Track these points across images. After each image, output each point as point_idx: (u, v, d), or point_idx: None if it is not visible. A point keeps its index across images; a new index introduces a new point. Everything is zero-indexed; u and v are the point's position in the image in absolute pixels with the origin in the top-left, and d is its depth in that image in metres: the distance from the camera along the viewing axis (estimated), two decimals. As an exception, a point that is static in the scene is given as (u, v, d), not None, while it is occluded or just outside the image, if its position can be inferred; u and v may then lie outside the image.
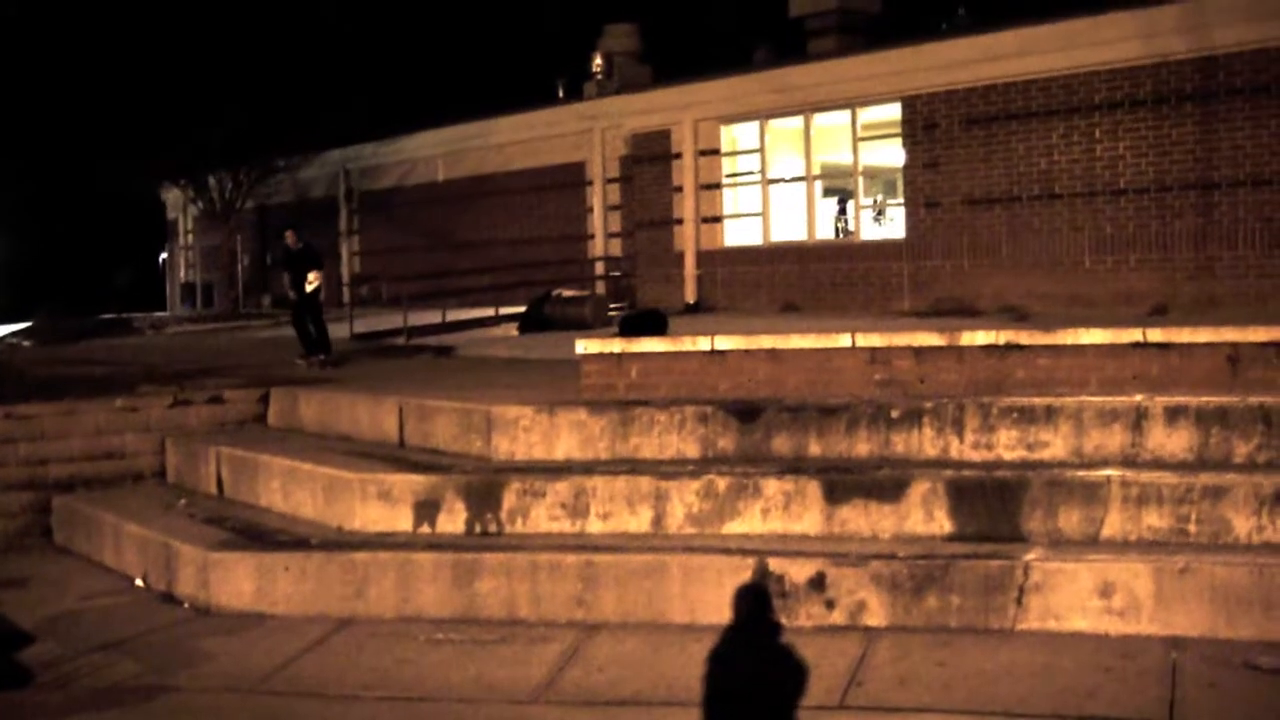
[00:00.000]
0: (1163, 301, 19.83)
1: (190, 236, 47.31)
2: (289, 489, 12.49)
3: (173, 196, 45.64)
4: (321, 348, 18.63)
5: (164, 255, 50.66)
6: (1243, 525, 9.65)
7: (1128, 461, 10.38)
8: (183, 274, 47.73)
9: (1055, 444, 10.67)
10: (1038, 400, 10.84)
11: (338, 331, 24.57)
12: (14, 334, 33.03)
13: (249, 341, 25.62)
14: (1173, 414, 10.47)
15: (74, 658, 10.06)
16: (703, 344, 12.16)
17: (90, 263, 53.19)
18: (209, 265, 44.19)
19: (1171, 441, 10.44)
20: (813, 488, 10.51)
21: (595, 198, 30.88)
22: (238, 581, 11.11)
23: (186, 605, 11.31)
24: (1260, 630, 8.93)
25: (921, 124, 23.52)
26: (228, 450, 13.62)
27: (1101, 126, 21.09)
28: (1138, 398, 10.64)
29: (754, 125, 27.17)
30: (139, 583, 12.03)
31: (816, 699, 8.39)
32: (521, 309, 25.10)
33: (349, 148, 38.63)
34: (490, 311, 26.34)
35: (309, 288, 18.65)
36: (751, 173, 27.43)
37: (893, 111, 24.31)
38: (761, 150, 27.03)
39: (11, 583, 12.25)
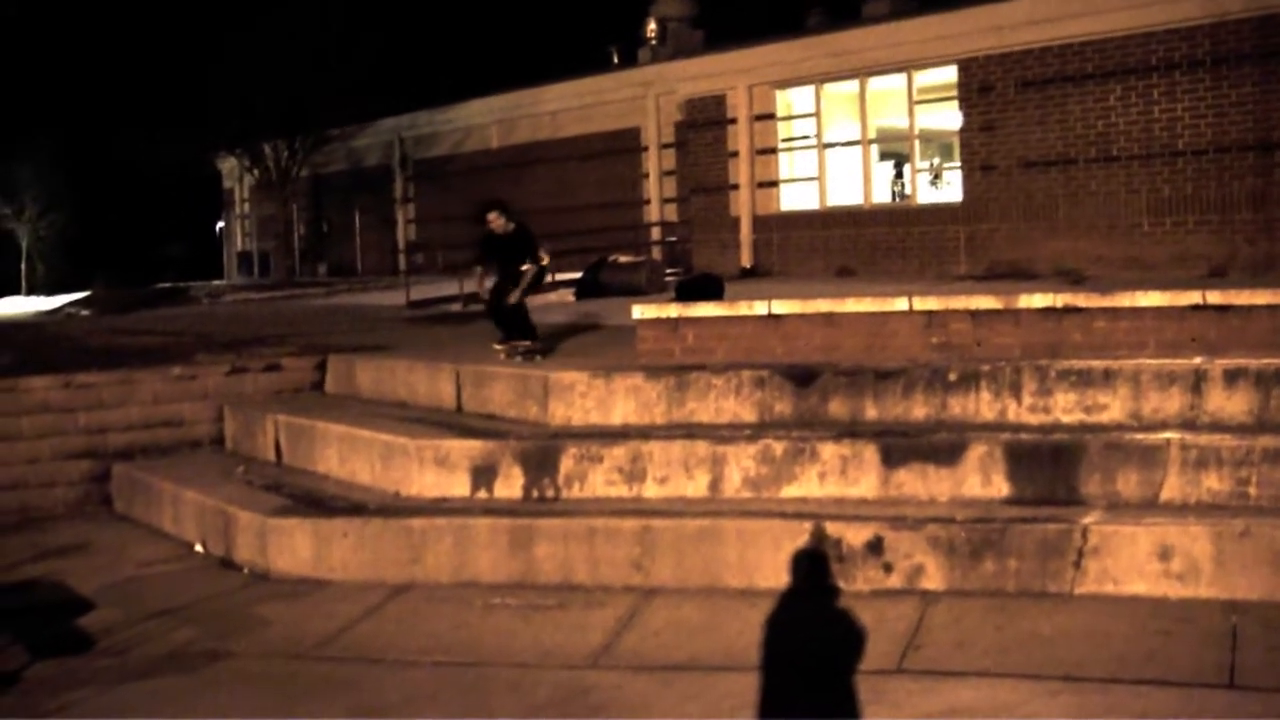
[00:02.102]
0: (1221, 264, 19.64)
1: (246, 205, 47.57)
2: (346, 455, 12.55)
3: (229, 166, 45.88)
4: (524, 330, 13.98)
5: (220, 224, 50.96)
6: (1304, 487, 9.56)
7: (1186, 424, 10.28)
8: (239, 243, 48.00)
9: (1113, 407, 10.59)
10: (1095, 363, 10.75)
11: (394, 299, 24.68)
12: (72, 304, 33.30)
13: (305, 309, 25.72)
14: (1232, 376, 10.36)
15: (133, 623, 10.14)
16: (759, 308, 12.13)
17: (147, 233, 53.63)
18: (265, 234, 44.43)
19: (1231, 404, 10.34)
20: (869, 451, 10.48)
21: (650, 163, 30.82)
22: (295, 547, 11.18)
23: (245, 571, 11.39)
24: (1322, 594, 8.86)
25: (977, 87, 23.33)
26: (285, 417, 13.69)
27: (1159, 88, 20.87)
28: (1196, 360, 10.54)
29: (809, 89, 27.02)
30: (198, 549, 12.12)
31: (874, 663, 8.37)
32: (577, 275, 25.07)
33: (403, 116, 38.69)
34: (546, 278, 26.30)
35: (517, 291, 13.69)
36: (807, 137, 27.30)
37: (948, 75, 24.14)
38: (817, 114, 26.88)
39: (72, 549, 12.37)
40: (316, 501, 11.79)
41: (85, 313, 30.01)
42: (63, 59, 40.83)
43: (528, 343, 13.64)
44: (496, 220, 13.72)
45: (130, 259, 48.80)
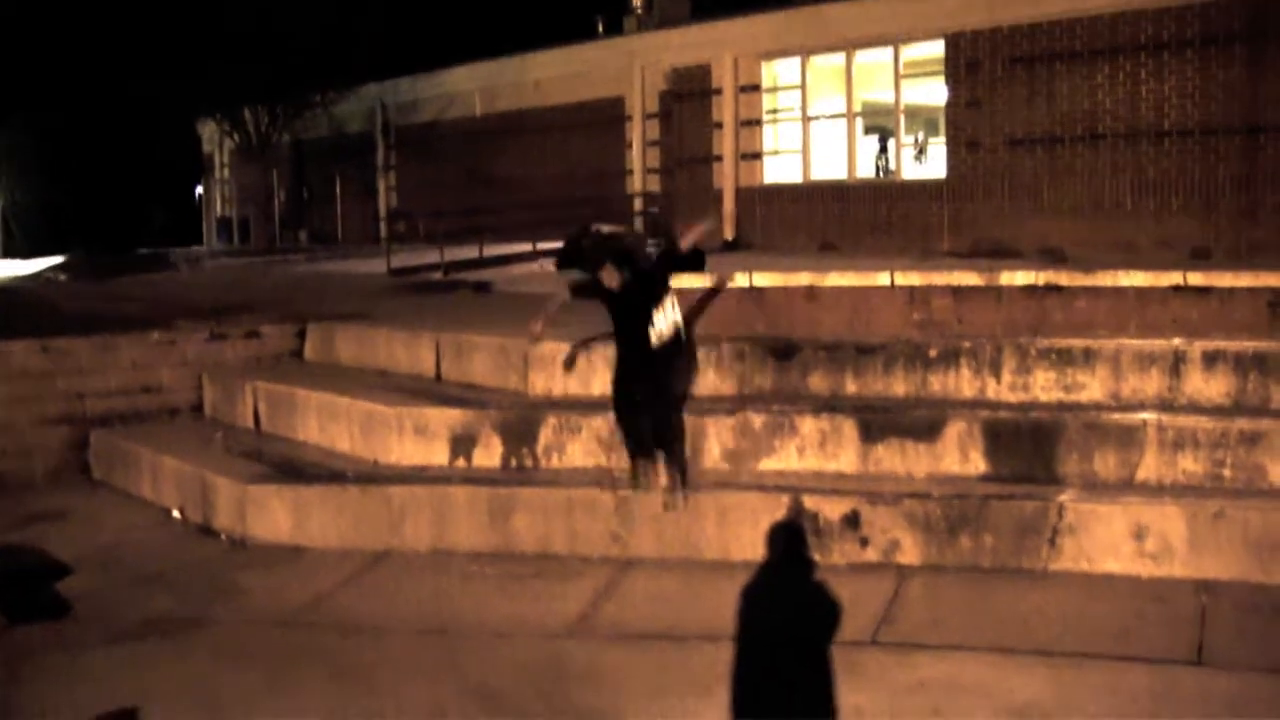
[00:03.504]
0: (1204, 246, 19.71)
1: (226, 171, 47.36)
2: (325, 423, 12.55)
3: (209, 131, 45.68)
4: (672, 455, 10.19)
5: (200, 190, 50.76)
6: (1278, 471, 9.61)
7: (1164, 405, 10.34)
8: (219, 209, 47.82)
9: (1092, 386, 10.64)
10: (1075, 342, 10.80)
11: (375, 267, 24.66)
12: (49, 268, 33.15)
13: (285, 276, 25.66)
14: (1211, 359, 10.42)
15: (112, 590, 10.14)
16: (740, 280, 12.14)
17: (126, 197, 53.38)
18: (245, 200, 44.24)
19: (1209, 386, 10.40)
20: (848, 426, 10.52)
21: (634, 133, 30.76)
22: (274, 515, 11.19)
23: (223, 538, 11.40)
24: (1293, 575, 8.93)
25: (964, 62, 23.35)
26: (265, 385, 13.68)
27: (1147, 68, 20.90)
28: (1176, 341, 10.59)
29: (795, 61, 27.01)
30: (176, 516, 12.12)
31: (849, 635, 8.42)
32: (559, 244, 25.04)
33: (385, 82, 38.53)
34: (528, 247, 26.28)
35: (660, 335, 10.00)
36: (792, 109, 27.29)
37: (936, 49, 24.14)
38: (802, 87, 26.87)
39: (50, 516, 12.35)
40: (295, 469, 11.80)
41: (63, 278, 29.87)
42: (37, 19, 40.57)
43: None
44: (612, 277, 9.87)
45: (109, 224, 48.59)
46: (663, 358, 9.95)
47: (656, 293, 9.95)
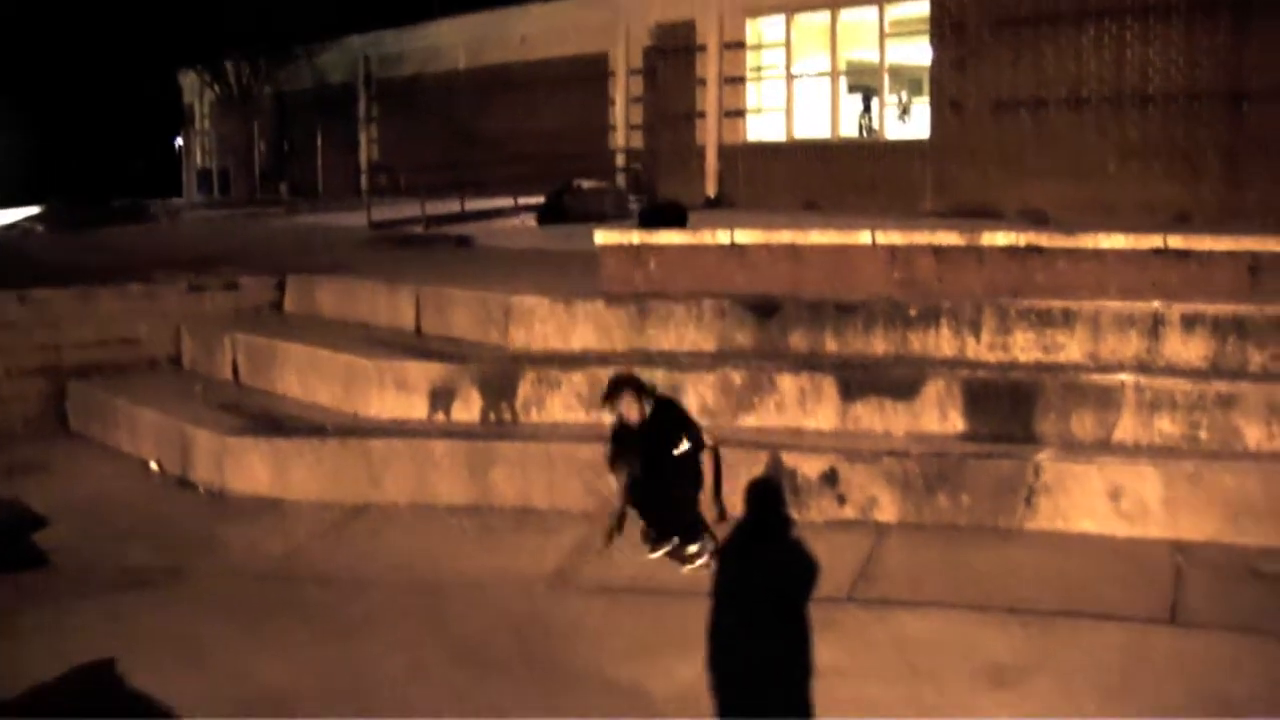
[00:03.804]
0: (1186, 211, 19.72)
1: (207, 123, 47.15)
2: (305, 376, 12.54)
3: (189, 81, 45.47)
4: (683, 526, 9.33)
5: (180, 141, 50.53)
6: (1253, 434, 9.66)
7: (1142, 367, 10.36)
8: (199, 160, 47.64)
9: (1071, 347, 10.66)
10: (1055, 303, 10.81)
11: (355, 220, 24.59)
12: (27, 219, 32.98)
13: (266, 229, 25.59)
14: (1189, 321, 10.44)
15: (89, 541, 10.13)
16: (722, 237, 12.13)
17: (105, 148, 53.07)
18: (225, 152, 44.07)
19: (1187, 349, 10.42)
20: (828, 384, 10.54)
21: (617, 90, 30.69)
22: (253, 468, 11.19)
23: (202, 491, 11.39)
24: (1266, 537, 8.97)
25: (950, 23, 23.30)
26: (244, 337, 13.65)
27: (1132, 31, 20.88)
28: (1155, 304, 10.61)
29: (780, 18, 26.94)
30: (154, 468, 12.10)
31: (825, 591, 8.47)
32: (541, 200, 25.02)
33: (369, 34, 38.39)
34: (509, 202, 26.26)
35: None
36: (776, 67, 27.24)
37: (921, 9, 24.09)
38: (787, 44, 26.83)
39: (27, 467, 12.30)
40: (275, 422, 11.79)
41: (40, 229, 29.74)
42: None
43: (695, 545, 9.13)
44: (631, 410, 9.33)
45: (87, 175, 48.31)
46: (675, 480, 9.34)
47: (666, 433, 9.32)
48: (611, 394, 9.44)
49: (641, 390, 9.46)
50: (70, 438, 13.63)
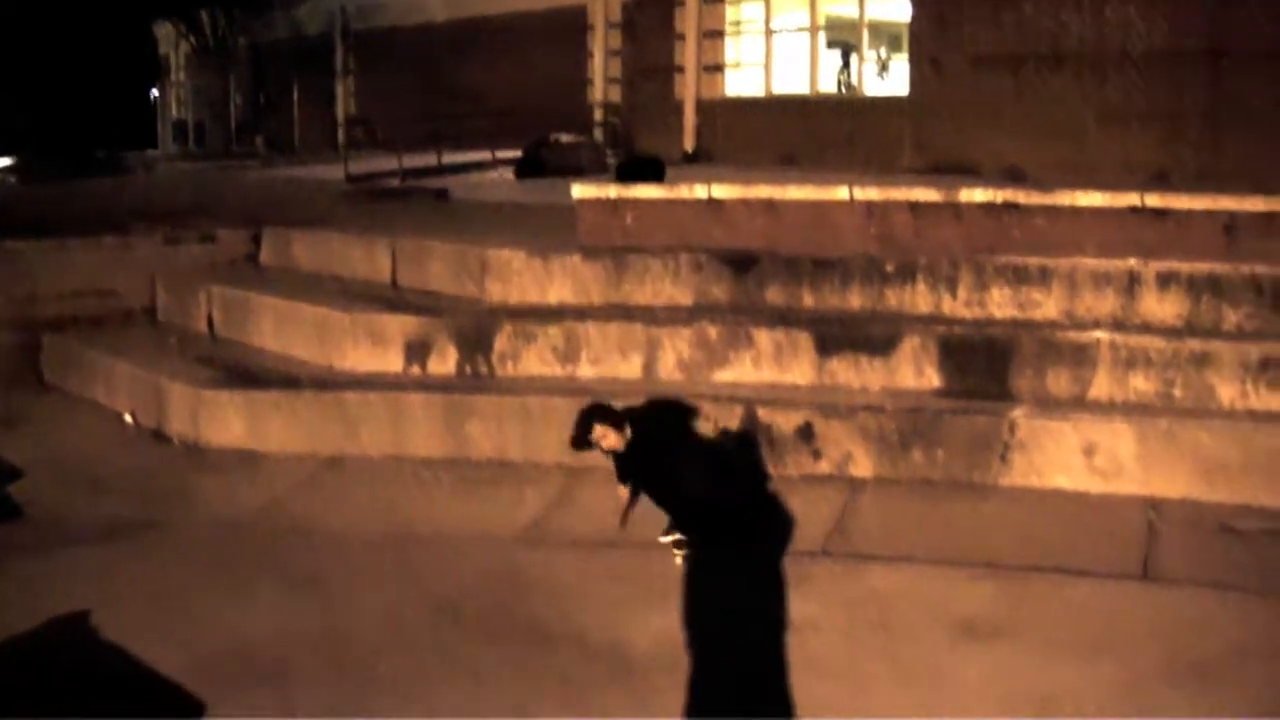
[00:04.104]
0: (1165, 170, 19.71)
1: (182, 74, 46.86)
2: (280, 329, 12.50)
3: (164, 33, 45.16)
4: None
5: (155, 93, 50.22)
6: (1227, 392, 9.70)
7: (1118, 325, 10.39)
8: (174, 112, 47.36)
9: (1047, 304, 10.68)
10: (1032, 261, 10.83)
11: (332, 173, 24.49)
12: (1, 170, 32.78)
13: (241, 181, 25.48)
14: (1165, 279, 10.47)
15: (64, 494, 10.10)
16: (699, 192, 12.10)
17: (80, 99, 52.65)
18: (201, 104, 43.84)
19: (1162, 307, 10.46)
20: (804, 339, 10.55)
21: (596, 43, 30.52)
22: (228, 420, 11.15)
23: (177, 443, 11.36)
24: (1238, 494, 9.02)
25: (929, -22, 23.21)
26: (219, 289, 13.59)
27: (1112, -13, 20.80)
28: (1131, 262, 10.64)
29: (759, -27, 26.84)
30: (129, 421, 12.06)
31: (801, 546, 8.50)
32: (518, 154, 24.95)
33: (347, -16, 38.18)
34: (486, 155, 26.17)
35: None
36: (755, 22, 27.15)
37: (900, -35, 24.00)
38: (766, -1, 26.74)
39: (2, 420, 12.23)
40: (250, 374, 11.75)
41: (13, 180, 29.56)
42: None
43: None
44: (607, 438, 8.68)
45: (62, 125, 47.95)
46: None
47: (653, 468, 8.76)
48: (579, 435, 8.67)
49: (610, 416, 8.71)
50: (45, 391, 13.55)
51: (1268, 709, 6.41)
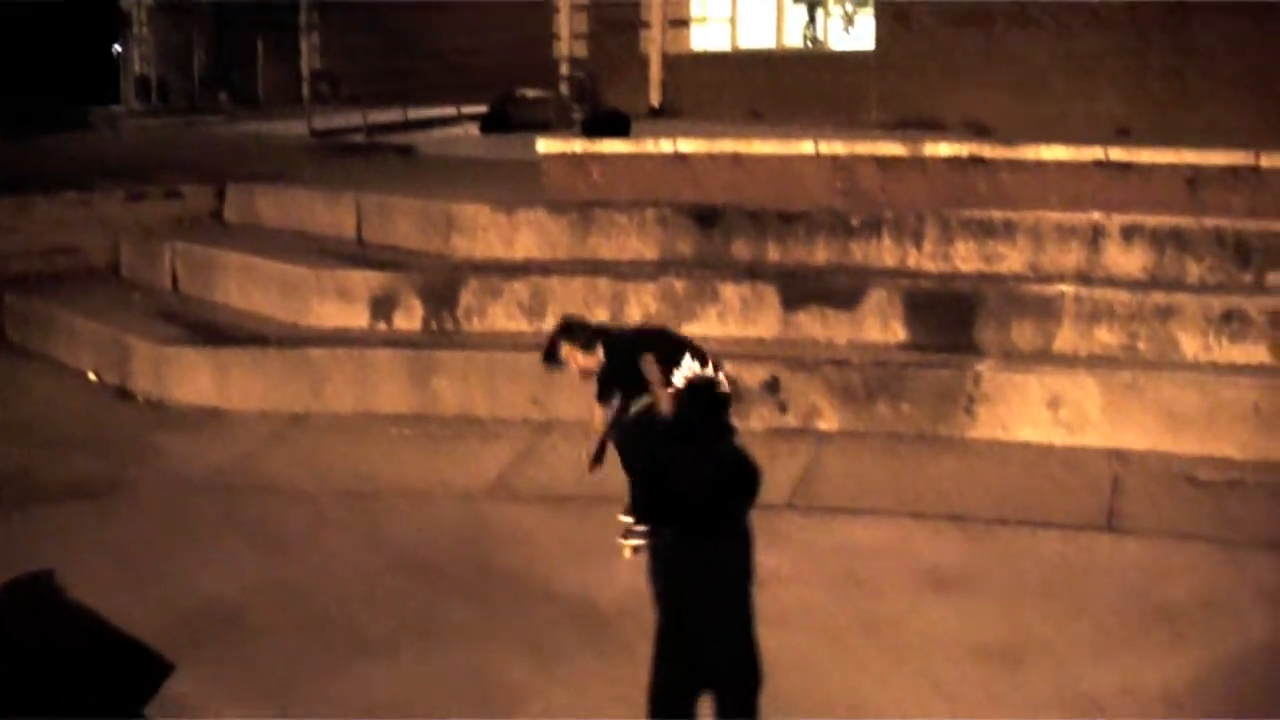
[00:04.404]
0: (1128, 126, 19.72)
1: (145, 29, 46.43)
2: (245, 285, 12.44)
3: (127, -14, 44.72)
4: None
5: (118, 48, 49.76)
6: (1191, 344, 9.76)
7: (1082, 278, 10.43)
8: (137, 67, 46.90)
9: (1012, 258, 10.71)
10: (997, 214, 10.86)
11: (296, 128, 24.36)
12: (-42, 126, 32.43)
13: (205, 137, 25.32)
14: (1129, 232, 10.51)
15: (27, 452, 10.00)
16: (665, 146, 12.08)
17: (41, 54, 52.20)
18: (164, 59, 43.40)
19: (1126, 260, 10.50)
20: (770, 293, 10.56)
21: (561, -3, 30.36)
22: (193, 377, 11.11)
23: (141, 401, 11.31)
24: (1202, 446, 9.09)
25: (895, -71, 23.11)
26: (183, 246, 13.51)
27: (1079, -63, 20.75)
28: (1096, 215, 10.67)
29: (724, -74, 26.68)
30: (93, 378, 11.99)
31: (767, 499, 8.51)
32: (484, 109, 24.83)
33: (311, -62, 37.81)
34: (452, 111, 26.05)
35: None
36: (720, -24, 27.03)
37: (866, -85, 23.89)
38: (731, -47, 26.60)
39: (-38, 378, 12.20)
40: (215, 331, 11.71)
41: (-26, 137, 29.25)
42: None
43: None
44: (575, 358, 8.14)
45: (21, 81, 47.54)
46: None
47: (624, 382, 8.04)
48: (547, 351, 8.21)
49: (577, 336, 8.12)
50: (8, 349, 13.43)
51: (1233, 657, 6.47)
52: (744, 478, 8.64)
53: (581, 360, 8.06)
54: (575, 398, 9.97)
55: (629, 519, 8.08)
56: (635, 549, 7.93)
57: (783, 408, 9.82)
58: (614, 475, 7.96)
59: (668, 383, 7.75)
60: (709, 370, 7.95)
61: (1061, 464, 9.04)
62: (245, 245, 13.03)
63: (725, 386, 8.12)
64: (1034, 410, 9.45)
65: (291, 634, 6.95)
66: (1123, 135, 18.30)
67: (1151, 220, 10.52)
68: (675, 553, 7.68)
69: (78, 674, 6.44)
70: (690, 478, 8.19)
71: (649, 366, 7.77)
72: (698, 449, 8.28)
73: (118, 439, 10.36)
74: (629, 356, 7.89)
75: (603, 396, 8.11)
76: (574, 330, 8.24)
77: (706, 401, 8.01)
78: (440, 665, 6.58)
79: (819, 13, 26.52)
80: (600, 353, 8.03)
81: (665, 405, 7.76)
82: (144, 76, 45.19)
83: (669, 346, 8.01)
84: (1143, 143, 11.77)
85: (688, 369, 7.83)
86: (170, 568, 7.79)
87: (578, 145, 12.43)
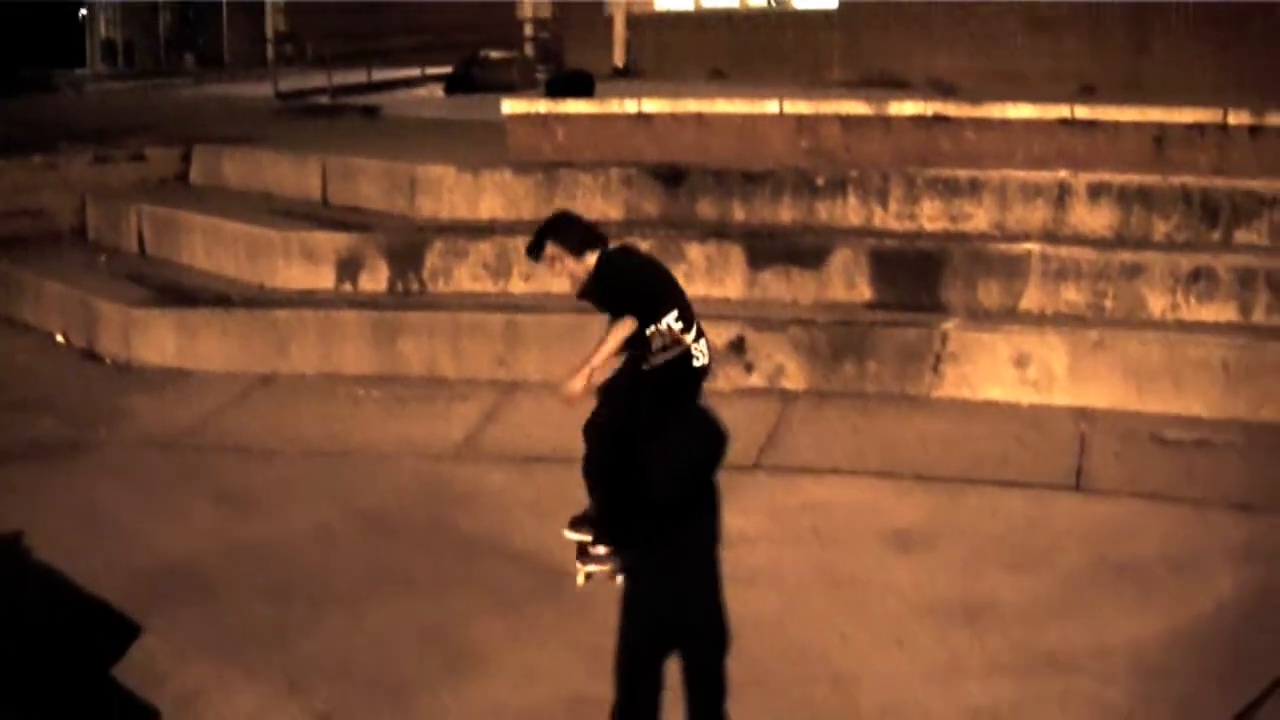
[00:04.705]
0: (1093, 83, 19.73)
1: (111, -9, 46.08)
2: (211, 247, 12.39)
3: (92, -52, 44.37)
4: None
5: (83, 11, 49.40)
6: (1157, 303, 9.79)
7: (1049, 236, 10.45)
8: (103, 31, 46.58)
9: (978, 216, 10.72)
10: (962, 173, 10.86)
11: (262, 90, 24.23)
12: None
13: (171, 100, 25.17)
14: (1095, 191, 10.53)
15: (-6, 413, 10.04)
16: (629, 107, 12.06)
17: (5, 17, 51.74)
18: (130, 22, 43.12)
19: (1093, 218, 10.52)
20: (735, 253, 10.55)
21: (526, -42, 30.24)
22: (160, 339, 11.08)
23: (108, 362, 11.27)
24: (1168, 405, 9.13)
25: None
26: (149, 208, 13.44)
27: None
28: (1062, 174, 10.68)
29: (689, -116, 26.57)
30: (60, 340, 11.94)
31: (734, 459, 8.53)
32: (448, 70, 24.73)
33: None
34: (416, 72, 25.95)
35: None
36: (685, -64, 26.93)
37: None
38: (695, -89, 26.50)
39: (-71, 339, 12.13)
40: (181, 293, 11.67)
41: (-63, 100, 29.01)
42: None
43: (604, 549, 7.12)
44: (562, 261, 7.02)
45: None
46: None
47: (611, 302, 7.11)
48: (533, 243, 7.06)
49: (569, 237, 6.99)
50: (-27, 312, 13.41)
51: (1199, 616, 6.51)
52: (714, 451, 8.66)
53: (570, 265, 6.97)
54: (542, 358, 10.01)
55: (582, 534, 7.18)
56: (589, 576, 7.08)
57: (749, 368, 9.83)
58: (575, 436, 7.85)
59: (642, 333, 6.89)
60: (689, 336, 7.04)
61: (1028, 423, 9.07)
62: (211, 207, 12.97)
63: (704, 358, 7.11)
64: (1001, 369, 9.47)
65: (258, 593, 6.95)
66: (1088, 93, 18.35)
67: (1118, 178, 10.54)
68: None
69: (44, 637, 6.43)
70: (671, 488, 7.51)
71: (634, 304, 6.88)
72: (677, 440, 7.67)
73: (84, 400, 10.34)
74: (621, 284, 7.00)
75: (617, 313, 7.00)
76: (567, 229, 7.07)
77: (683, 374, 7.09)
78: (404, 623, 6.59)
79: (783, -29, 26.39)
80: (590, 262, 6.97)
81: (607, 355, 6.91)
82: (109, 40, 44.91)
83: (664, 292, 7.09)
84: (1109, 100, 11.78)
85: (667, 326, 6.93)
86: (137, 528, 7.79)
87: (542, 106, 12.39)
